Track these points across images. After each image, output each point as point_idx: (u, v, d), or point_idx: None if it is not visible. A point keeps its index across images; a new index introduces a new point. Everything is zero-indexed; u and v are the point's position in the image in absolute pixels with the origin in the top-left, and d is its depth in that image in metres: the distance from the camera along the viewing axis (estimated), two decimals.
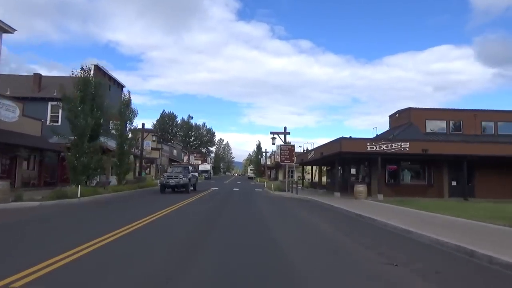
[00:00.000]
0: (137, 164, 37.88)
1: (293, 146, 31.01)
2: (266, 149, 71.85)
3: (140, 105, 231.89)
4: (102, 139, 29.86)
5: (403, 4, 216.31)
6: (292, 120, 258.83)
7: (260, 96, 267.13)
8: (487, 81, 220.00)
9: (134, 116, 28.53)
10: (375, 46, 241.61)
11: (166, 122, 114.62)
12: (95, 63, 31.06)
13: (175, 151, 73.86)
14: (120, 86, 37.11)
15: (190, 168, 29.86)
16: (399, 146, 22.19)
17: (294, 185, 29.37)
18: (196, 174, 33.29)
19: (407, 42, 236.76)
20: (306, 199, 23.23)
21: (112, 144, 29.02)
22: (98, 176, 31.43)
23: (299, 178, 65.59)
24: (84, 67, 21.24)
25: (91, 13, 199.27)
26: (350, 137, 23.90)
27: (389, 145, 22.22)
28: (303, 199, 23.44)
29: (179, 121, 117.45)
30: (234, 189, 36.85)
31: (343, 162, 28.97)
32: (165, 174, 26.73)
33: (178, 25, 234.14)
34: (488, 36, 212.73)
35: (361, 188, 21.93)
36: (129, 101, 28.30)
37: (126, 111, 27.79)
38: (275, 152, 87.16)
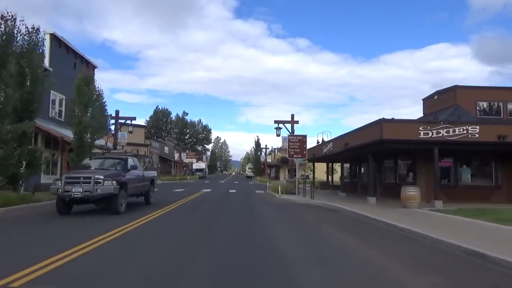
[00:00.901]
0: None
1: (305, 136, 23.93)
2: (266, 145, 64.71)
3: (137, 104, 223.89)
4: (56, 127, 23.08)
5: (400, 1, 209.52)
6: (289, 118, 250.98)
7: (258, 94, 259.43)
8: (484, 79, 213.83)
9: (99, 98, 21.33)
10: (372, 45, 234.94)
11: (159, 118, 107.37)
12: (52, 32, 23.95)
13: (166, 148, 66.60)
14: (91, 66, 29.87)
15: (132, 162, 14.55)
16: (465, 132, 15.14)
17: (306, 186, 22.36)
18: (152, 174, 17.54)
19: (404, 40, 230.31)
20: (331, 208, 16.17)
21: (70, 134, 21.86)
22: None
23: (303, 177, 58.10)
24: (6, 15, 13.96)
25: (86, 11, 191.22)
26: (393, 118, 16.80)
27: (451, 129, 15.17)
28: (327, 208, 16.37)
29: (173, 118, 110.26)
30: (231, 190, 29.74)
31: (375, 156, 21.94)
32: (65, 176, 12.44)
33: (175, 23, 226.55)
34: (485, 34, 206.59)
35: (413, 192, 14.89)
36: (89, 77, 21.10)
37: (86, 89, 20.59)
38: (275, 149, 79.91)
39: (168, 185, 36.55)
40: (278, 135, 28.17)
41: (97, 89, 21.46)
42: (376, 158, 21.45)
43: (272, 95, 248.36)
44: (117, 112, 27.58)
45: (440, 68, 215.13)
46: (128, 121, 27.58)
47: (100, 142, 27.24)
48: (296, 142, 23.69)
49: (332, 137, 24.29)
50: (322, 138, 25.79)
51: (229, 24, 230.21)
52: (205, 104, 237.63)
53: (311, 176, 60.04)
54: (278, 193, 23.68)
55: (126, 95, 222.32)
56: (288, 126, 27.84)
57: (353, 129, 19.94)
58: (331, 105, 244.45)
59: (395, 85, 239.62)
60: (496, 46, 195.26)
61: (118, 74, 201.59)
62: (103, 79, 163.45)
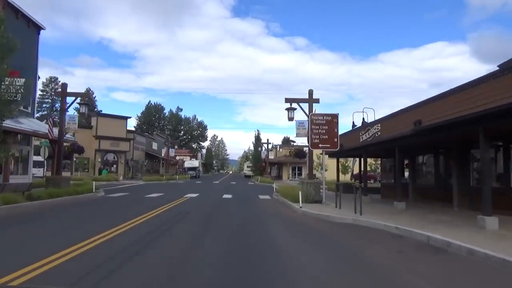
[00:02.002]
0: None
1: (336, 116, 15.59)
2: (268, 139, 55.81)
3: (134, 103, 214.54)
4: None
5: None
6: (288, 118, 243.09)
7: (255, 93, 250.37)
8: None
9: (9, 51, 12.91)
10: (370, 43, 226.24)
11: (152, 114, 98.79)
12: None
13: (155, 144, 58.00)
14: (34, 26, 21.34)
15: None
16: None
17: (326, 190, 14.04)
18: None
19: (402, 39, 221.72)
20: (423, 241, 7.78)
21: None
22: None
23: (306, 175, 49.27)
24: None
25: (83, 9, 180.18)
26: None
27: None
28: (419, 243, 7.94)
29: (166, 114, 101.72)
30: (225, 196, 21.33)
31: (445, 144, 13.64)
32: None
33: (172, 21, 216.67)
34: (484, 32, 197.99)
35: None
36: None
37: None
38: (277, 145, 71.41)
39: (146, 188, 28.15)
40: (290, 119, 19.69)
41: (9, 39, 13.10)
42: (443, 146, 13.12)
43: (270, 94, 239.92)
44: (64, 86, 19.02)
45: (438, 67, 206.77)
46: (80, 99, 19.11)
47: (39, 127, 18.80)
48: (323, 125, 15.34)
49: (379, 117, 15.68)
50: (363, 119, 17.22)
51: (227, 23, 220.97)
52: (202, 103, 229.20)
53: (318, 175, 51.33)
54: (295, 201, 15.34)
55: (123, 94, 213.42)
56: (305, 106, 19.52)
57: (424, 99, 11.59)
58: (329, 104, 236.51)
59: (392, 84, 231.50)
60: (494, 44, 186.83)
61: (115, 73, 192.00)
62: (100, 78, 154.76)
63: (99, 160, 42.35)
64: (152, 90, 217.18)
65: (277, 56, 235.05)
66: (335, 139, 15.25)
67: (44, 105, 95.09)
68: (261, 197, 21.02)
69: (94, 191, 19.42)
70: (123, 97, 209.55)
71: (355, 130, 17.14)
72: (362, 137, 15.94)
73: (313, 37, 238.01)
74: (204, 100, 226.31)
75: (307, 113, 19.23)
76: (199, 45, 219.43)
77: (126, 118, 45.16)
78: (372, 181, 39.09)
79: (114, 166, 44.18)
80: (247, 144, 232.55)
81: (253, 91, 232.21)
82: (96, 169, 41.62)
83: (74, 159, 40.91)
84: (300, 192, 13.76)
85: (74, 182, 22.83)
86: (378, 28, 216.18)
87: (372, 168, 41.52)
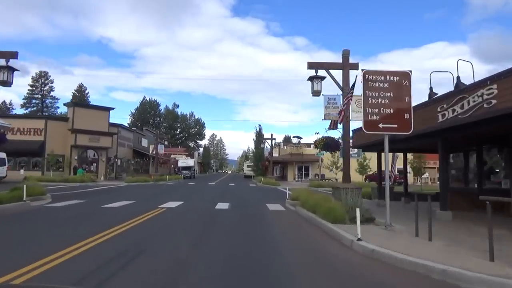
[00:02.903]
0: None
1: (408, 74, 8.95)
2: (272, 134, 48.30)
3: (134, 102, 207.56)
4: None
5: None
6: (288, 118, 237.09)
7: (255, 93, 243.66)
8: (482, 77, 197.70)
9: None
10: (370, 43, 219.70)
11: (147, 111, 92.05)
12: None
13: (145, 141, 51.26)
14: None
15: None
16: None
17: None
18: None
19: (402, 39, 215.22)
20: None
21: None
22: None
23: (318, 177, 41.97)
24: None
25: (82, 8, 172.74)
26: None
27: None
28: None
29: (162, 110, 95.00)
30: (219, 205, 14.61)
31: None
32: None
33: (171, 21, 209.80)
34: (484, 32, 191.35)
35: None
36: None
37: None
38: (279, 143, 64.68)
39: (121, 192, 21.66)
40: (315, 94, 13.15)
41: None
42: None
43: (269, 93, 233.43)
44: None
45: (438, 67, 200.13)
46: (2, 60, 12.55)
47: None
48: (385, 91, 8.76)
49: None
50: (457, 78, 10.34)
51: (227, 22, 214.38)
52: (202, 102, 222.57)
53: (328, 175, 44.28)
54: (334, 221, 8.82)
55: (123, 94, 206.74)
56: (336, 73, 13.03)
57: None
58: None
59: None
60: (494, 44, 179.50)
61: (115, 72, 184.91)
62: (99, 77, 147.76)
63: (76, 157, 35.65)
64: (152, 90, 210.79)
65: (277, 55, 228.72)
66: (407, 115, 8.66)
67: (33, 101, 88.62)
68: (270, 207, 14.40)
69: (24, 199, 12.84)
70: (122, 97, 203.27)
71: (427, 105, 10.41)
72: (445, 114, 9.30)
73: (313, 37, 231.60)
74: (203, 99, 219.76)
75: (341, 85, 12.77)
76: (199, 44, 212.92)
77: (108, 109, 38.38)
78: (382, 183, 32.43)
79: (94, 164, 37.50)
80: (247, 144, 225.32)
81: (252, 91, 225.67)
82: (72, 168, 34.97)
83: (46, 156, 34.30)
84: (358, 211, 7.07)
85: (30, 184, 16.11)
86: (378, 28, 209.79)
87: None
